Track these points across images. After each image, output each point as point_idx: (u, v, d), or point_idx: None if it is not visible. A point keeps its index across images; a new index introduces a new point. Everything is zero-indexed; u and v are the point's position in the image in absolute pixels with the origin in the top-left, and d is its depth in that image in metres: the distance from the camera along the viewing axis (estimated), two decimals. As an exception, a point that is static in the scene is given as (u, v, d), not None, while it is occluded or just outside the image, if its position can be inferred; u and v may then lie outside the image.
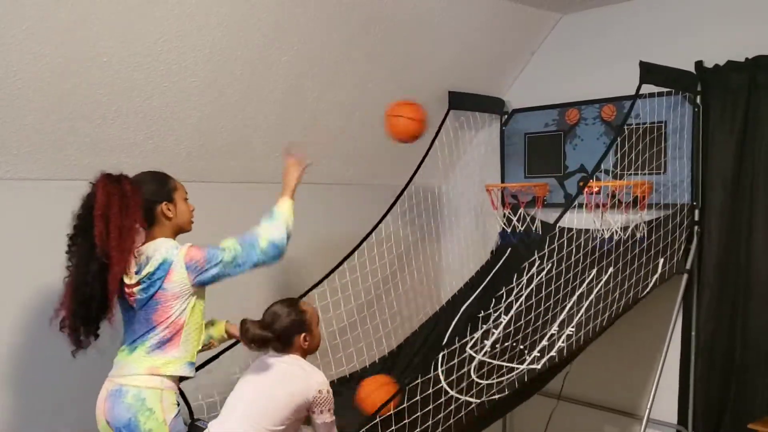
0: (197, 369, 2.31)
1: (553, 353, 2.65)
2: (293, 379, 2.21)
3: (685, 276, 3.03)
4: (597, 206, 3.32)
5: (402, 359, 3.49)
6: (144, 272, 2.10)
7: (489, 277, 3.72)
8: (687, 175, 3.17)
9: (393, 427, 2.41)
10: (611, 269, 3.10)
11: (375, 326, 3.57)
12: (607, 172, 3.45)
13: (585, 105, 3.58)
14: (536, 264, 3.29)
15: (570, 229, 3.36)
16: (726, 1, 3.11)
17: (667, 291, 3.01)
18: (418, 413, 2.42)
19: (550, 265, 3.25)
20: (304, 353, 2.33)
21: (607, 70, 3.52)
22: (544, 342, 2.79)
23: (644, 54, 2.96)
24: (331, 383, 3.10)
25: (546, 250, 3.30)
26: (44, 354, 2.70)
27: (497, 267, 3.75)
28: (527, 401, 2.69)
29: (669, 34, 3.29)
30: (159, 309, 2.12)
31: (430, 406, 2.46)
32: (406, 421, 2.41)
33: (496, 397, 2.46)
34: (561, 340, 2.73)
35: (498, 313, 3.02)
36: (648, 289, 2.89)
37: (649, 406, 2.82)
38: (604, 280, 3.06)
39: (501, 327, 2.93)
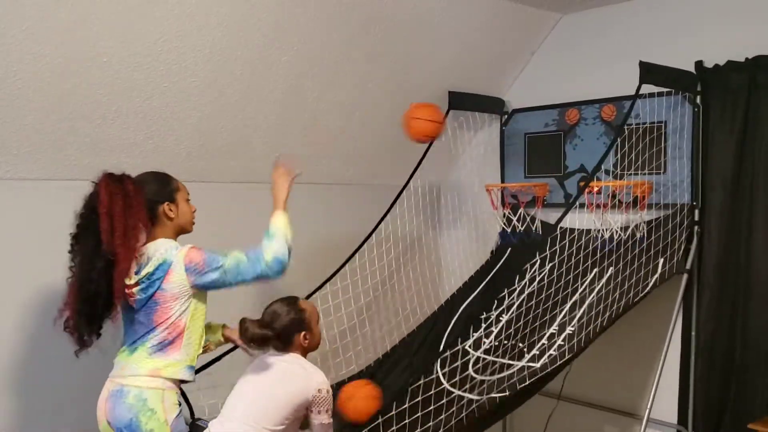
0: (197, 372, 2.31)
1: (552, 352, 2.65)
2: (293, 378, 2.21)
3: (685, 276, 3.02)
4: (597, 206, 3.32)
5: (401, 359, 3.49)
6: (143, 272, 2.11)
7: (489, 276, 3.72)
8: (687, 175, 3.16)
9: (394, 427, 2.41)
10: (611, 269, 3.10)
11: (374, 327, 3.57)
12: (607, 172, 3.44)
13: (585, 105, 3.58)
14: (537, 265, 3.29)
15: (572, 230, 3.36)
16: (726, 1, 3.11)
17: (667, 291, 3.01)
18: (419, 413, 2.42)
19: (550, 265, 3.24)
20: (305, 352, 2.33)
21: (607, 70, 3.51)
22: (544, 341, 2.79)
23: (644, 54, 2.96)
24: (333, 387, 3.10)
25: (548, 252, 3.30)
26: (45, 354, 2.71)
27: (497, 267, 3.75)
28: (527, 401, 2.69)
29: (669, 34, 3.28)
30: (159, 310, 2.12)
31: (431, 407, 2.46)
32: (407, 421, 2.40)
33: (497, 395, 2.46)
34: (561, 338, 2.73)
35: (499, 312, 3.02)
36: (648, 289, 2.89)
37: (649, 406, 2.82)
38: (604, 280, 3.06)
39: (503, 324, 2.93)
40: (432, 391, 2.52)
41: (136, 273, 2.11)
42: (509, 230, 3.85)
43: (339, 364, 3.33)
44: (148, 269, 2.10)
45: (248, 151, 3.22)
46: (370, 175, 3.84)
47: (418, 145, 3.63)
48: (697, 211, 3.14)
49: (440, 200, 4.26)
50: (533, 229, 3.76)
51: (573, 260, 3.18)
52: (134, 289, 2.12)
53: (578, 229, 3.34)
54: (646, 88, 2.93)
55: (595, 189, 3.26)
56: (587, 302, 2.93)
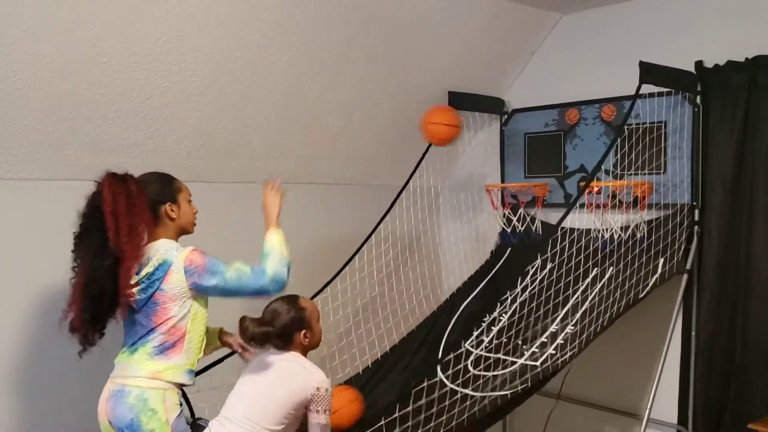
0: (197, 374, 2.31)
1: (552, 350, 2.65)
2: (293, 376, 2.20)
3: (685, 276, 3.02)
4: (597, 207, 3.32)
5: (401, 358, 3.48)
6: (143, 272, 2.11)
7: (489, 276, 3.72)
8: (687, 175, 3.16)
9: (398, 429, 2.41)
10: (612, 269, 3.10)
11: (372, 326, 3.57)
12: (607, 172, 3.44)
13: (585, 105, 3.58)
14: (539, 265, 3.29)
15: (572, 231, 3.36)
16: (726, 1, 3.11)
17: (667, 291, 3.01)
18: (422, 416, 2.42)
19: (551, 266, 3.25)
20: (305, 350, 2.32)
21: (607, 70, 3.51)
22: (544, 339, 2.79)
23: (644, 54, 2.96)
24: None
25: (549, 254, 3.30)
26: (45, 354, 2.71)
27: (497, 267, 3.75)
28: (527, 401, 2.69)
29: (669, 34, 3.28)
30: (158, 311, 2.12)
31: (435, 408, 2.46)
32: (410, 423, 2.40)
33: (499, 393, 2.46)
34: (561, 336, 2.73)
35: (500, 312, 3.02)
36: (648, 290, 2.89)
37: (649, 406, 2.82)
38: (605, 280, 3.06)
39: (504, 322, 2.93)
40: (435, 394, 2.51)
41: (137, 273, 2.11)
42: (509, 230, 3.85)
43: (339, 364, 3.33)
44: (147, 269, 2.10)
45: (248, 151, 3.22)
46: (370, 175, 3.84)
47: (418, 145, 3.66)
48: (697, 211, 3.14)
49: (440, 200, 4.26)
50: (533, 229, 3.76)
51: (573, 261, 3.18)
52: (134, 289, 2.11)
53: (578, 230, 3.33)
54: (646, 88, 2.93)
55: (595, 189, 3.26)
56: (587, 302, 2.93)
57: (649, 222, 3.24)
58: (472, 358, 2.82)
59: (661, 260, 3.02)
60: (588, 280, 3.11)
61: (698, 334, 3.14)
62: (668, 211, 3.19)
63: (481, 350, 2.85)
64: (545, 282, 3.13)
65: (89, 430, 2.26)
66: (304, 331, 2.28)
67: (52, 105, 2.51)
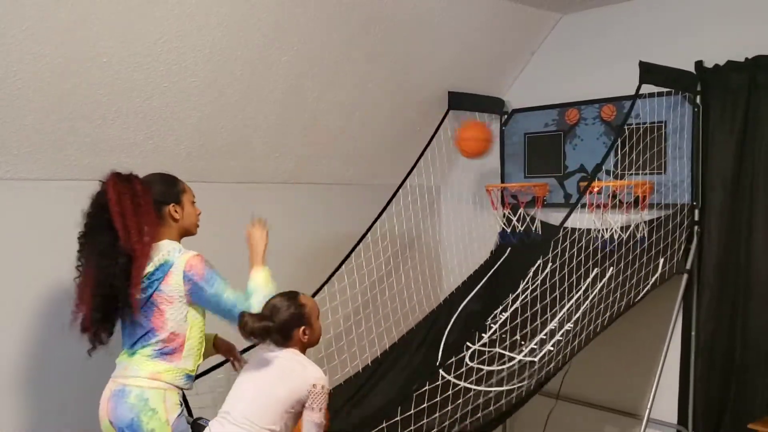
0: (196, 377, 2.31)
1: (550, 347, 2.66)
2: (291, 374, 2.19)
3: (685, 276, 3.02)
4: (598, 207, 3.32)
5: (401, 357, 3.48)
6: (144, 273, 2.10)
7: (488, 276, 3.72)
8: (687, 175, 3.16)
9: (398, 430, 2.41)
10: (612, 269, 3.10)
11: (373, 325, 3.57)
12: (608, 172, 3.44)
13: (585, 105, 3.58)
14: (540, 265, 3.29)
15: (573, 231, 3.35)
16: (726, 1, 3.11)
17: (667, 291, 3.01)
18: (425, 420, 2.41)
19: (551, 266, 3.25)
20: (304, 347, 2.30)
21: (607, 70, 3.51)
22: (543, 336, 2.80)
23: (644, 54, 2.96)
24: (337, 387, 3.09)
25: (550, 255, 3.30)
26: (46, 354, 2.71)
27: (497, 266, 3.75)
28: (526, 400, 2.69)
29: (669, 34, 3.28)
30: (155, 312, 2.12)
31: (437, 413, 2.45)
32: (412, 428, 2.40)
33: (503, 388, 2.46)
34: (560, 334, 2.74)
35: (501, 310, 3.02)
36: (648, 289, 2.89)
37: (649, 406, 2.82)
38: (605, 280, 3.06)
39: (507, 317, 2.94)
40: (438, 398, 2.50)
41: (138, 273, 2.11)
42: (509, 230, 3.85)
43: (338, 363, 3.33)
44: (148, 269, 2.10)
45: (248, 151, 3.22)
46: (370, 175, 3.84)
47: (418, 145, 3.67)
48: (697, 211, 3.14)
49: (440, 200, 4.26)
50: (533, 229, 3.76)
51: (575, 261, 3.18)
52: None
53: (579, 230, 3.34)
54: (646, 88, 2.93)
55: (596, 189, 3.26)
56: (588, 302, 2.93)
57: (650, 222, 3.24)
58: (474, 353, 2.82)
59: (662, 260, 3.02)
60: (588, 280, 3.11)
61: (698, 334, 3.15)
62: (668, 211, 3.19)
63: (481, 345, 2.85)
64: (547, 282, 3.13)
65: (90, 430, 2.26)
66: (303, 328, 2.27)
67: (52, 105, 2.51)
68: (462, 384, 2.62)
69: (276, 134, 3.24)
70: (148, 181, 2.18)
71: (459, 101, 3.76)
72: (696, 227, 3.13)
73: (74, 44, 2.40)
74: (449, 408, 2.48)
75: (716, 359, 3.10)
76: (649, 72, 2.87)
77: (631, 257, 3.07)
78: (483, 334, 2.94)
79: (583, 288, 3.07)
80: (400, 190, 3.59)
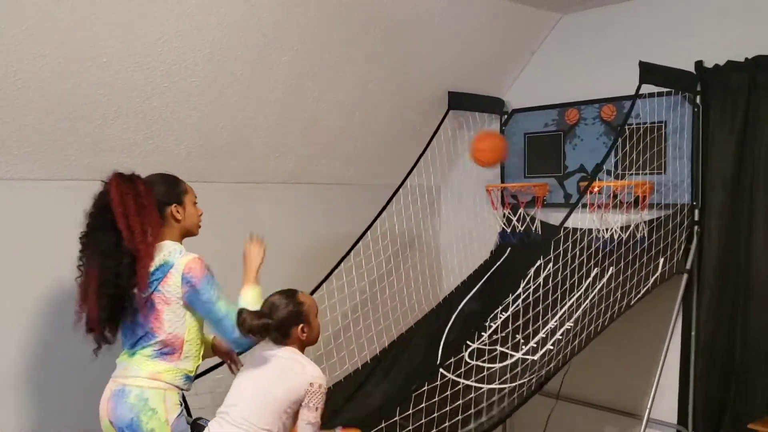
0: (196, 377, 2.31)
1: (550, 346, 2.66)
2: (290, 374, 2.19)
3: (685, 276, 3.02)
4: (598, 206, 3.32)
5: (400, 355, 3.48)
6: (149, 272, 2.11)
7: (488, 275, 3.72)
8: (687, 175, 3.16)
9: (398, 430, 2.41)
10: (612, 269, 3.10)
11: (372, 323, 3.58)
12: (608, 172, 3.44)
13: (585, 105, 3.58)
14: (539, 265, 3.29)
15: (573, 230, 3.35)
16: (726, 1, 3.11)
17: (667, 291, 3.01)
18: (423, 420, 2.41)
19: (551, 266, 3.24)
20: (302, 345, 2.30)
21: (607, 70, 3.51)
22: (543, 334, 2.80)
23: (644, 54, 2.96)
24: (336, 384, 3.08)
25: (552, 255, 3.30)
26: (46, 354, 2.71)
27: (497, 265, 3.75)
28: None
29: (669, 34, 3.28)
30: (153, 313, 2.12)
31: (435, 414, 2.45)
32: (411, 428, 2.39)
33: (506, 386, 2.46)
34: (560, 333, 2.74)
35: (501, 309, 3.02)
36: (648, 289, 2.89)
37: (649, 406, 2.82)
38: (605, 280, 3.06)
39: (509, 315, 2.94)
40: (436, 398, 2.50)
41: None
42: (509, 230, 3.85)
43: (337, 361, 3.33)
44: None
45: (248, 151, 3.22)
46: (370, 175, 3.84)
47: (418, 145, 3.67)
48: (697, 211, 3.14)
49: (440, 200, 4.26)
50: (533, 229, 3.76)
51: (575, 261, 3.18)
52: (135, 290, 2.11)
53: (580, 229, 3.34)
54: (646, 88, 2.93)
55: (596, 189, 3.26)
56: (588, 302, 2.94)
57: (650, 222, 3.24)
58: (472, 353, 2.82)
59: (662, 260, 3.02)
60: (589, 280, 3.11)
61: (698, 334, 3.15)
62: (668, 211, 3.19)
63: (481, 343, 2.86)
64: (549, 282, 3.13)
65: (90, 430, 2.26)
66: (301, 326, 2.26)
67: (52, 105, 2.51)
68: (462, 382, 2.62)
69: (276, 134, 3.24)
70: (150, 181, 2.18)
71: (459, 101, 3.76)
72: (696, 227, 3.13)
73: (74, 44, 2.40)
74: (449, 407, 2.48)
75: (716, 359, 3.10)
76: (649, 72, 2.87)
77: (631, 257, 3.07)
78: (483, 334, 2.94)
79: (583, 288, 3.06)
80: (401, 190, 3.60)
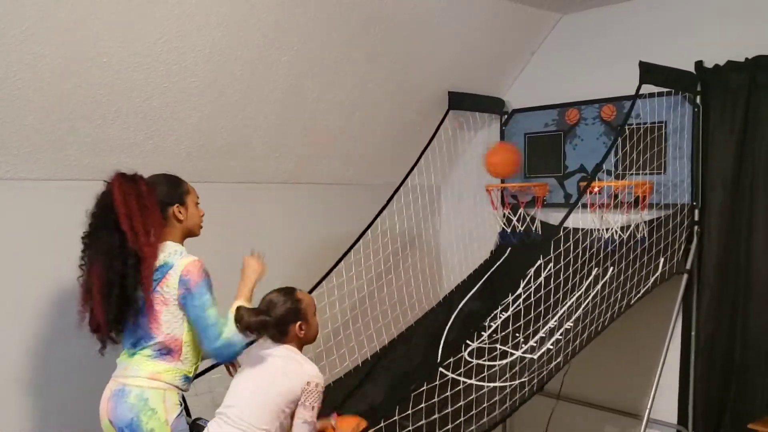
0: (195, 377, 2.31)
1: (550, 346, 2.66)
2: (288, 373, 2.18)
3: (685, 276, 3.02)
4: (599, 206, 3.32)
5: (400, 354, 3.48)
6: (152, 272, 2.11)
7: (488, 274, 3.72)
8: (687, 175, 3.17)
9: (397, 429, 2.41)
10: (612, 269, 3.10)
11: (371, 321, 3.58)
12: (608, 172, 3.44)
13: (585, 105, 3.58)
14: (540, 265, 3.29)
15: (574, 230, 3.35)
16: (726, 1, 3.11)
17: (667, 291, 3.01)
18: (423, 421, 2.41)
19: (551, 266, 3.24)
20: (300, 343, 2.29)
21: (607, 70, 3.51)
22: (542, 333, 2.80)
23: (644, 54, 2.96)
24: (336, 381, 3.07)
25: (552, 255, 3.30)
26: (46, 354, 2.71)
27: (497, 265, 3.75)
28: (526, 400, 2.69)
29: (669, 34, 3.28)
30: (152, 313, 2.12)
31: (436, 415, 2.45)
32: (411, 428, 2.39)
33: (498, 386, 2.46)
34: (560, 333, 2.73)
35: (501, 309, 3.02)
36: (648, 289, 2.89)
37: (649, 406, 2.82)
38: (605, 280, 3.06)
39: (509, 315, 2.94)
40: (436, 398, 2.50)
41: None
42: (509, 230, 3.85)
43: (337, 358, 3.33)
44: (149, 269, 2.11)
45: (248, 151, 3.22)
46: (370, 175, 3.84)
47: (418, 145, 3.67)
48: (697, 211, 3.14)
49: (440, 199, 4.26)
50: (533, 229, 3.76)
51: (575, 261, 3.18)
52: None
53: (583, 229, 3.34)
54: (646, 88, 2.93)
55: (596, 189, 3.26)
56: (588, 301, 2.93)
57: (650, 222, 3.24)
58: (472, 352, 2.82)
59: (662, 260, 3.02)
60: (589, 280, 3.11)
61: (698, 334, 3.15)
62: (668, 211, 3.19)
63: (481, 342, 2.86)
64: (551, 282, 3.13)
65: (90, 430, 2.26)
66: (299, 323, 2.25)
67: (52, 105, 2.51)
68: (462, 381, 2.62)
69: (276, 134, 3.24)
70: (152, 181, 2.18)
71: (459, 101, 3.76)
72: (696, 227, 3.13)
73: (74, 44, 2.40)
74: (449, 407, 2.48)
75: (716, 359, 3.10)
76: (649, 72, 2.87)
77: (631, 257, 3.07)
78: (483, 333, 2.94)
79: (583, 288, 3.06)
80: (401, 190, 3.60)
